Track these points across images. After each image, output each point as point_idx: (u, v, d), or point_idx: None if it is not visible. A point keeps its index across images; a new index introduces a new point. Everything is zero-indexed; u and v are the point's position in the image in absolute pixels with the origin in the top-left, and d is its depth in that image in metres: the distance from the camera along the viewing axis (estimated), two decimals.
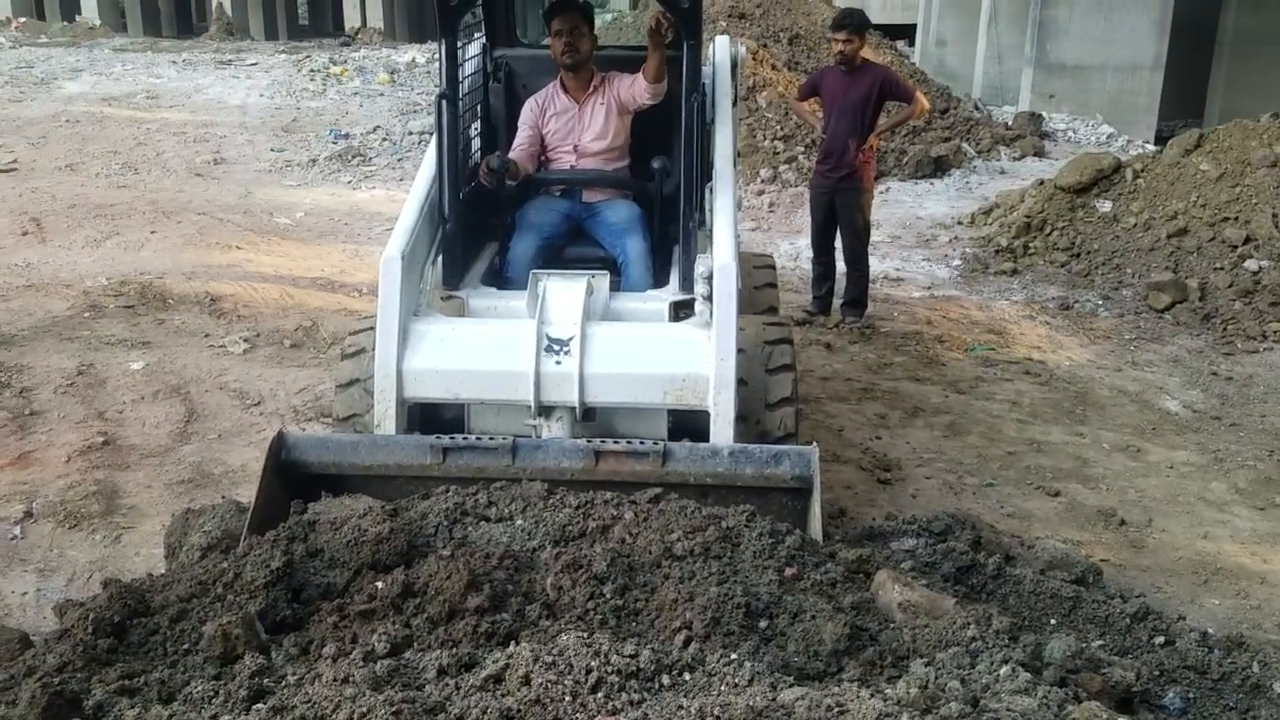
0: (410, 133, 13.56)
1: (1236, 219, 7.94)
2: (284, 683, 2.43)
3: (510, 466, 3.44)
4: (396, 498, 3.35)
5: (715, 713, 2.16)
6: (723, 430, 3.57)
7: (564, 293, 3.80)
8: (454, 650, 2.51)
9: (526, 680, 2.28)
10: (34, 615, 3.54)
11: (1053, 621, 3.17)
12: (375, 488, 3.48)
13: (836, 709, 2.20)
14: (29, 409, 5.22)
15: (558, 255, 4.50)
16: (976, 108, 15.34)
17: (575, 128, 4.64)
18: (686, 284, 4.01)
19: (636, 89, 4.52)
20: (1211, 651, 3.04)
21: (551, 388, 3.63)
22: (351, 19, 35.82)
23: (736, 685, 2.33)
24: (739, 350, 3.63)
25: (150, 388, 5.56)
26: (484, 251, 4.55)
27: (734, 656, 2.47)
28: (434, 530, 3.16)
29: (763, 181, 11.29)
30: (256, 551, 2.99)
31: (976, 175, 12.39)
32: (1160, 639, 3.11)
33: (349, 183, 11.49)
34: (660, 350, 3.72)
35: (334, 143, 13.16)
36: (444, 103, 4.08)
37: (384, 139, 13.39)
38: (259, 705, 2.30)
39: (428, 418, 3.93)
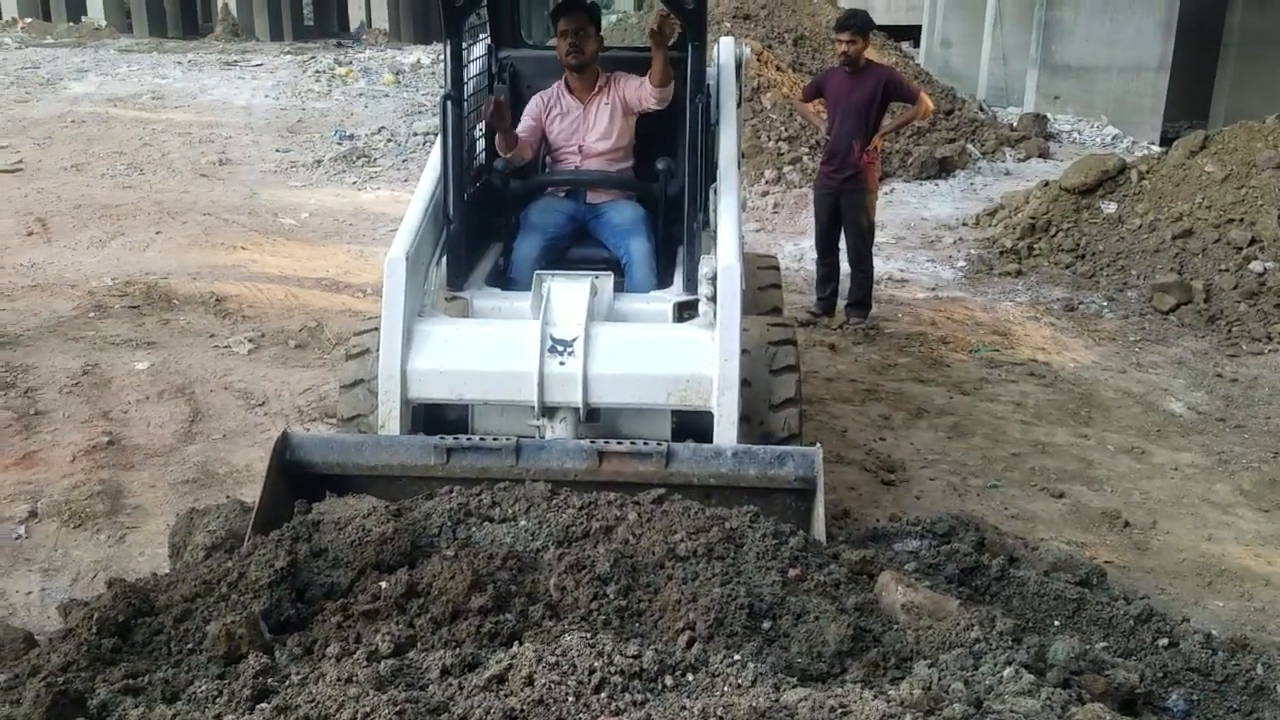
0: (415, 134, 13.57)
1: (1242, 220, 7.92)
2: (288, 682, 2.43)
3: (514, 467, 3.44)
4: (400, 498, 3.36)
5: (718, 713, 2.16)
6: (726, 431, 3.57)
7: (568, 293, 3.80)
8: (457, 650, 2.51)
9: (530, 681, 2.29)
10: (38, 615, 3.55)
11: (1056, 623, 3.16)
12: (379, 488, 3.48)
13: (840, 710, 2.20)
14: (34, 409, 5.23)
15: (562, 256, 4.51)
16: (981, 109, 15.33)
17: (580, 128, 4.64)
18: (690, 285, 4.01)
19: (644, 92, 4.52)
20: (1215, 654, 3.03)
21: (555, 388, 3.64)
22: (357, 20, 35.82)
23: (739, 686, 2.33)
24: (743, 351, 3.63)
25: (155, 388, 5.57)
26: (488, 252, 4.56)
27: (737, 657, 2.47)
28: (438, 530, 3.16)
29: (767, 182, 11.28)
30: (261, 551, 3.00)
31: (981, 176, 12.38)
32: (1164, 641, 3.11)
33: (354, 183, 11.51)
34: (664, 351, 3.72)
35: (339, 143, 13.18)
36: (449, 104, 4.08)
37: (389, 140, 13.40)
38: (263, 705, 2.30)
39: (432, 418, 3.93)
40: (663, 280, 4.32)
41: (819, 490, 3.34)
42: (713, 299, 3.68)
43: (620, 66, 4.72)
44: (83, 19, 31.05)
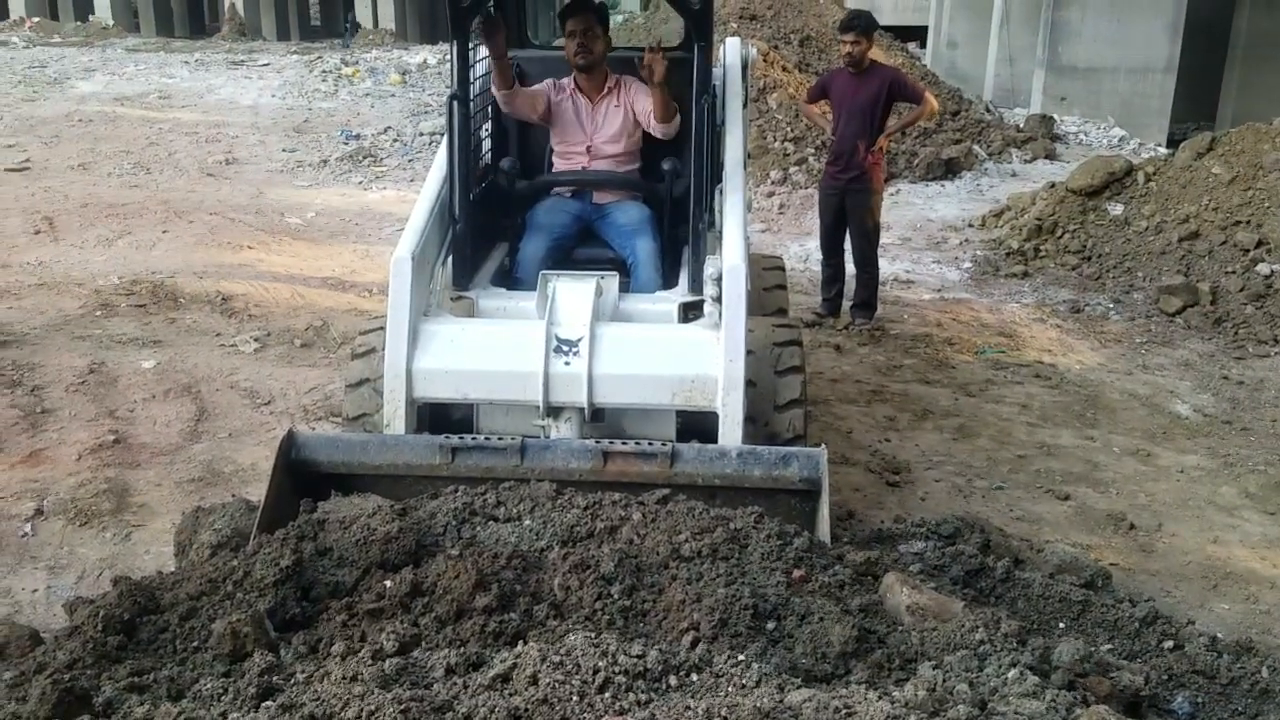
0: (421, 133, 13.60)
1: (1248, 222, 7.91)
2: (293, 680, 2.43)
3: (519, 467, 3.44)
4: (405, 497, 3.36)
5: (722, 714, 2.16)
6: (731, 432, 3.56)
7: (573, 294, 3.80)
8: (462, 649, 2.51)
9: (534, 680, 2.29)
10: (44, 612, 3.56)
11: (1061, 625, 3.16)
12: (384, 487, 3.48)
13: (844, 711, 2.19)
14: (40, 407, 5.24)
15: (567, 256, 4.51)
16: (988, 110, 15.32)
17: (588, 126, 4.64)
18: (696, 285, 4.00)
19: (649, 120, 4.54)
20: (1220, 656, 3.03)
21: (560, 388, 3.64)
22: (363, 20, 35.90)
23: (744, 686, 2.32)
24: (748, 352, 3.62)
25: (161, 386, 5.58)
26: (494, 252, 4.56)
27: (741, 658, 2.46)
28: (442, 530, 3.16)
29: (773, 183, 11.29)
30: (266, 550, 3.00)
31: (987, 177, 12.37)
32: (1169, 643, 3.10)
33: (360, 183, 11.53)
34: (669, 351, 3.72)
35: (345, 143, 13.21)
36: (455, 104, 4.09)
37: (395, 140, 13.43)
38: (268, 703, 2.31)
39: (437, 418, 3.93)
40: (668, 281, 4.32)
41: (824, 491, 3.33)
42: (718, 299, 3.68)
43: (628, 66, 4.72)
44: (90, 18, 31.18)
